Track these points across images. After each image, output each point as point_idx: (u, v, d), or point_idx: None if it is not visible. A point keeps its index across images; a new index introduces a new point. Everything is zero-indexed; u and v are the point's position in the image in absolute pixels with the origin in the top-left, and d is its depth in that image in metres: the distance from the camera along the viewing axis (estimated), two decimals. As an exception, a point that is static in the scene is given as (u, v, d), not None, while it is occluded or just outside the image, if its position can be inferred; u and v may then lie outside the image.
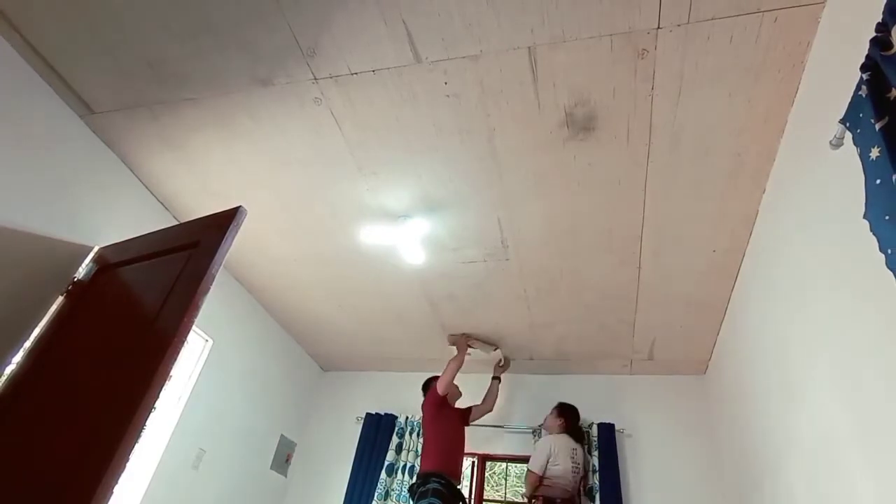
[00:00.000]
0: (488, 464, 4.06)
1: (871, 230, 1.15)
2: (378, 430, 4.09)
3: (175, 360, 1.71)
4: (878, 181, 1.12)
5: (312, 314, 3.89)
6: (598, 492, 3.41)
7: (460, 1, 1.82)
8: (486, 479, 4.00)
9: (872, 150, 1.14)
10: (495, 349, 3.87)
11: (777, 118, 2.03)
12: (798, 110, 1.94)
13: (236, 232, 1.99)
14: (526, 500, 3.19)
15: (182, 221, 2.98)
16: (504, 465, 4.65)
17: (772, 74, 1.89)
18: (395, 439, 4.00)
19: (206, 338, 3.35)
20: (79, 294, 2.36)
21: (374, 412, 4.21)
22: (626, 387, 3.97)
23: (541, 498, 3.07)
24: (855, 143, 1.25)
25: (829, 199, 1.68)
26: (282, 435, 4.14)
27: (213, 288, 1.85)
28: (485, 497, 3.96)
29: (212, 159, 2.65)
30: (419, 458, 3.52)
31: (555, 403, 3.61)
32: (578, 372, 4.09)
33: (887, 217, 1.10)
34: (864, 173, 1.18)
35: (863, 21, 1.30)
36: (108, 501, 1.45)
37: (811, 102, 1.83)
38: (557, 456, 3.17)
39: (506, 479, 5.20)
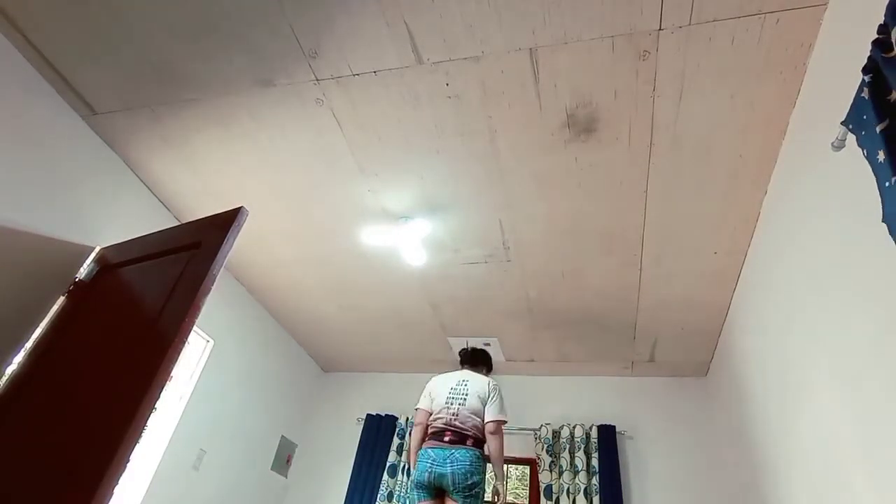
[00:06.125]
0: (488, 465, 4.04)
1: (890, 233, 1.12)
2: (378, 431, 4.10)
3: (176, 360, 1.71)
4: (886, 184, 1.12)
5: (313, 315, 3.89)
6: (599, 493, 3.41)
7: (462, 2, 1.82)
8: (486, 482, 3.98)
9: (879, 152, 1.13)
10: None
11: (779, 119, 2.03)
12: (800, 112, 1.94)
13: (238, 233, 1.99)
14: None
15: (183, 222, 2.98)
16: (504, 466, 4.64)
17: (773, 76, 1.89)
18: (395, 440, 4.00)
19: (207, 338, 3.35)
20: (80, 294, 2.36)
21: (374, 413, 4.21)
22: (627, 388, 3.96)
23: None
24: (860, 146, 1.24)
25: (830, 200, 1.67)
26: (282, 436, 4.13)
27: (213, 288, 1.85)
28: (485, 498, 3.95)
29: (213, 160, 2.65)
30: None
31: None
32: (579, 373, 4.08)
33: None
34: (875, 175, 1.17)
35: (864, 23, 1.30)
36: (108, 501, 1.45)
37: (813, 104, 1.83)
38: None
39: (506, 481, 5.19)
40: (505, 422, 2.82)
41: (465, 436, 2.70)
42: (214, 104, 2.35)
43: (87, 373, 1.91)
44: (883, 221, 1.16)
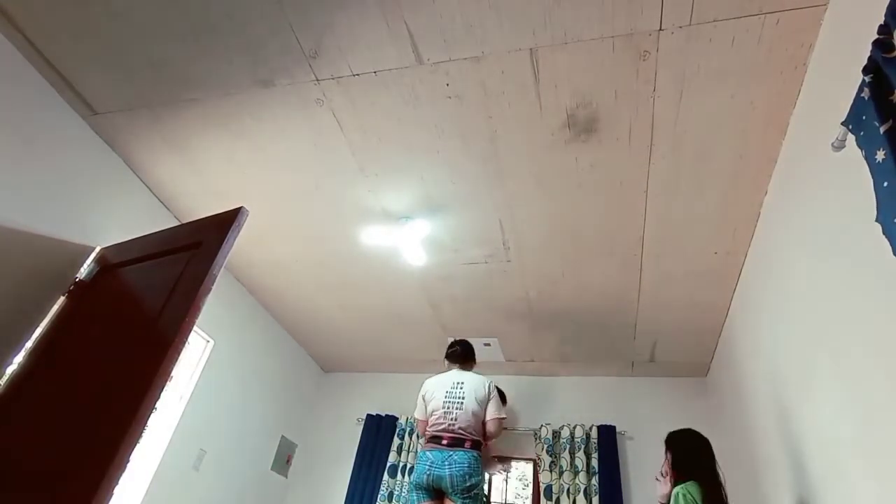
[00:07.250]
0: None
1: (884, 232, 1.14)
2: (379, 431, 4.10)
3: (176, 360, 1.71)
4: (885, 184, 1.12)
5: (313, 315, 3.89)
6: (599, 494, 3.41)
7: (462, 2, 1.82)
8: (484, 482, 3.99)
9: (878, 152, 1.14)
10: None
11: (779, 120, 2.03)
12: (800, 112, 1.94)
13: (238, 233, 1.99)
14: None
15: (184, 222, 2.98)
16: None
17: (774, 76, 1.89)
18: (395, 440, 4.00)
19: (208, 338, 3.35)
20: (80, 294, 2.36)
21: (374, 413, 4.21)
22: (627, 389, 3.96)
23: None
24: (859, 146, 1.25)
25: (830, 200, 1.67)
26: (282, 436, 4.13)
27: (213, 288, 1.85)
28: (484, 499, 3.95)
29: (213, 160, 2.65)
30: None
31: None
32: (579, 374, 4.08)
33: None
34: (872, 176, 1.18)
35: (865, 23, 1.30)
36: (108, 502, 1.45)
37: (813, 104, 1.83)
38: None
39: (507, 482, 5.19)
40: (504, 418, 2.86)
41: (463, 439, 2.70)
42: (215, 104, 2.35)
43: (87, 373, 1.91)
44: (876, 221, 1.17)
